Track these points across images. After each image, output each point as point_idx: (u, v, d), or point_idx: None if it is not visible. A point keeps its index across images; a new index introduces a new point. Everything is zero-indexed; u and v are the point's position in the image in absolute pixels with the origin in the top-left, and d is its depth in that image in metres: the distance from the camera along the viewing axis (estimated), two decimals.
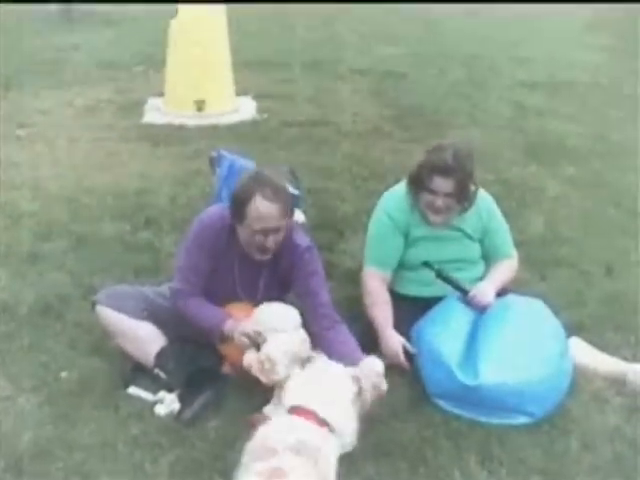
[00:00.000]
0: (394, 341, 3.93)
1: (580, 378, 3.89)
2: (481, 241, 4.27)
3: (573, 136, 7.98)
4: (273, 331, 3.49)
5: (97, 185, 6.30)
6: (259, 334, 3.51)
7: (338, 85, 9.77)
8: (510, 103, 9.12)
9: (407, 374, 3.92)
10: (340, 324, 3.78)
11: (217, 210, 3.96)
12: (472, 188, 4.05)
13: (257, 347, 3.49)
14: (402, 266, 4.25)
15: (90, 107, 8.61)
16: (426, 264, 4.14)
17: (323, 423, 3.02)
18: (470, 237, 4.23)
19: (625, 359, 4.03)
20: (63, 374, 3.87)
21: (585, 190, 6.53)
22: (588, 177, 6.81)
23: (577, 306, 4.60)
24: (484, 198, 4.26)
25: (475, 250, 4.28)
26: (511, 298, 4.04)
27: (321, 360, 3.37)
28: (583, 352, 4.02)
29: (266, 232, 3.64)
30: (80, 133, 7.67)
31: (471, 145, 4.09)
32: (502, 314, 3.90)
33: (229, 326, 3.65)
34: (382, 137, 7.85)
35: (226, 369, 3.81)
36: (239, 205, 3.64)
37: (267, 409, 3.40)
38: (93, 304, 3.88)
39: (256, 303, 3.78)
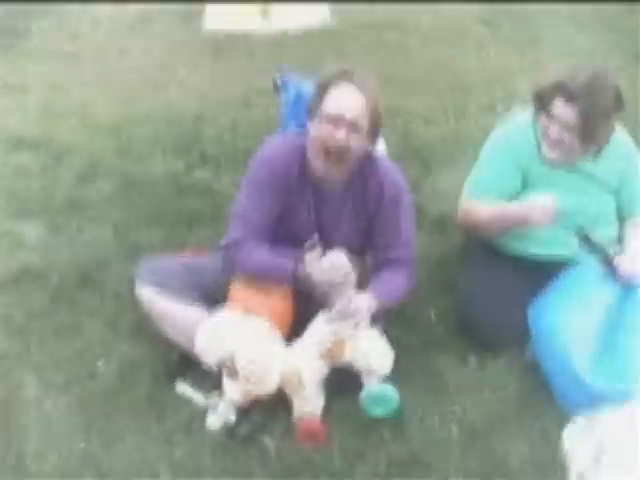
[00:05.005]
0: (537, 199, 3.24)
1: None
2: (616, 193, 3.47)
3: None
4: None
5: (150, 110, 5.64)
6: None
7: None
8: None
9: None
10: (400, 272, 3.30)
11: (284, 138, 3.42)
12: (605, 129, 3.24)
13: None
14: None
15: (145, 16, 7.81)
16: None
17: None
18: (604, 186, 3.42)
19: None
20: (99, 364, 3.28)
21: None
22: None
23: None
24: (625, 141, 3.48)
25: (609, 204, 3.48)
26: None
27: None
28: None
29: (339, 121, 3.04)
30: (133, 45, 6.98)
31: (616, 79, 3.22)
32: None
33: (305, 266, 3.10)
34: (469, 41, 6.96)
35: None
36: (320, 91, 3.14)
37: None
38: (133, 281, 3.26)
39: (334, 247, 3.16)
